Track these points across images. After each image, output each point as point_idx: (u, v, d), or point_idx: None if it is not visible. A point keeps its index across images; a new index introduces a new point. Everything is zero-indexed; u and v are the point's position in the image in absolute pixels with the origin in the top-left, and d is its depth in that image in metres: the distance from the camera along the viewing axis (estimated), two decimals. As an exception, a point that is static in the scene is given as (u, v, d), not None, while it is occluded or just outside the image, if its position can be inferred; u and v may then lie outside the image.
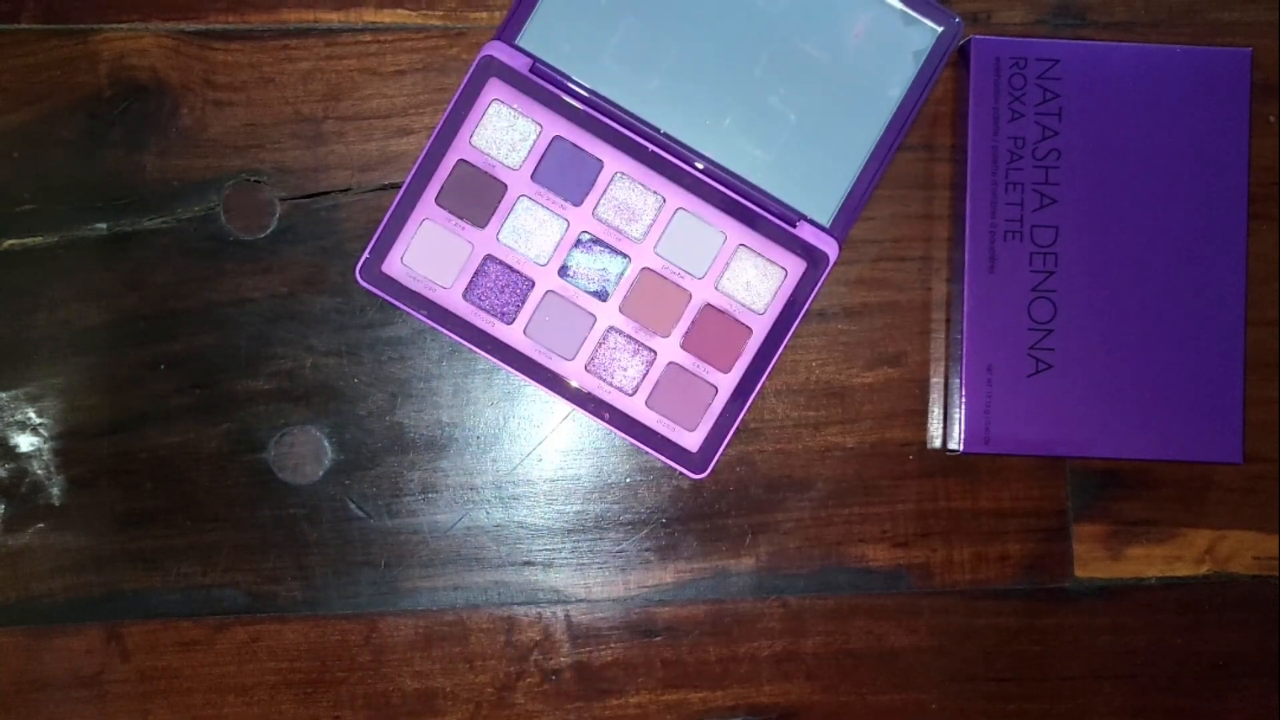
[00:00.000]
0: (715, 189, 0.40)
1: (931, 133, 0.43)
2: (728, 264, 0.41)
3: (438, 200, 0.40)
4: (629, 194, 0.41)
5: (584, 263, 0.41)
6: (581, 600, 0.42)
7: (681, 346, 0.41)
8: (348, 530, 0.42)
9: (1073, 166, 0.41)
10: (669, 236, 0.41)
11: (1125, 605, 0.43)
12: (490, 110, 0.40)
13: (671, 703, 0.43)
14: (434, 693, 0.42)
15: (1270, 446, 0.43)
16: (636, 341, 0.41)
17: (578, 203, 0.41)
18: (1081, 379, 0.41)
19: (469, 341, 0.41)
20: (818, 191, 0.41)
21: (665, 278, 0.41)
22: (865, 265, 0.43)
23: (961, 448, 0.41)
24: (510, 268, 0.41)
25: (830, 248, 0.41)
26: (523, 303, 0.41)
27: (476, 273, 0.40)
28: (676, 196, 0.41)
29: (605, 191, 0.41)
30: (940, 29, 0.40)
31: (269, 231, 0.42)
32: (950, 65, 0.42)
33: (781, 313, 0.41)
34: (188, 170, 0.41)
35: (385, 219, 0.40)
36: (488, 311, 0.41)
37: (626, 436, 0.41)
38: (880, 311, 0.43)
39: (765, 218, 0.40)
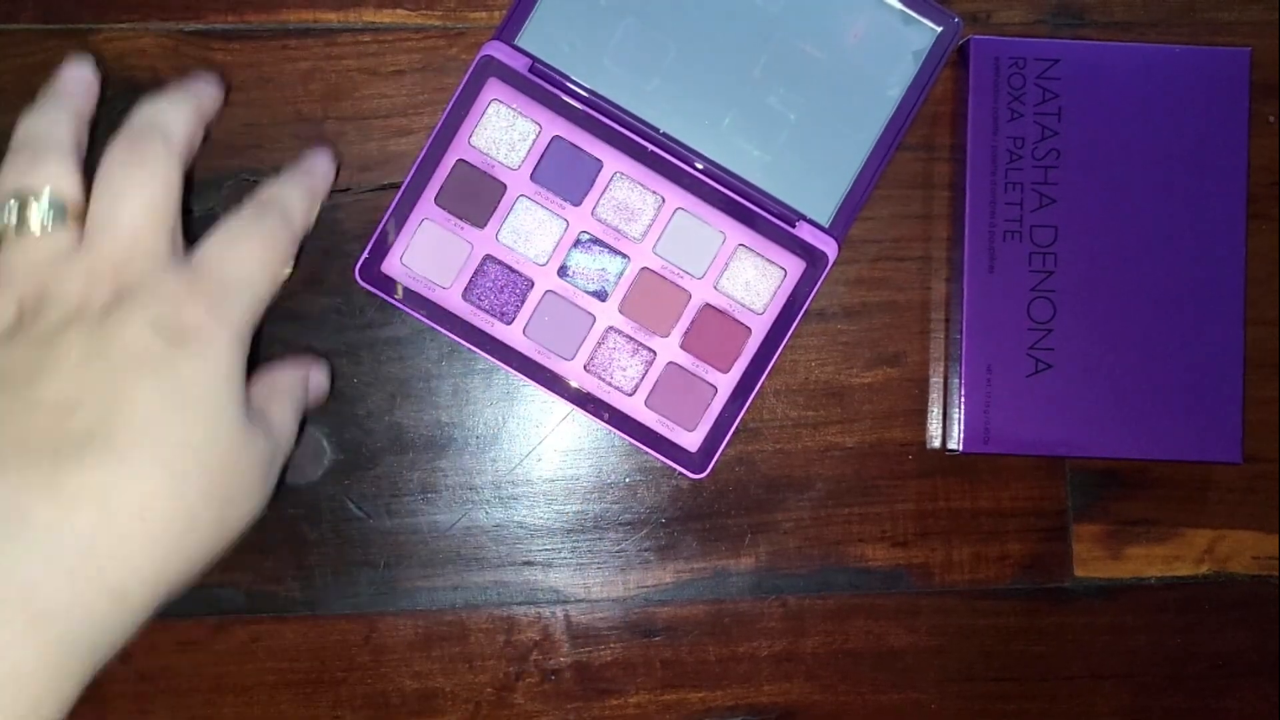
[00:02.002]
0: (714, 189, 0.40)
1: (931, 132, 0.43)
2: (727, 264, 0.41)
3: (437, 200, 0.40)
4: (628, 194, 0.41)
5: (583, 263, 0.41)
6: (581, 600, 0.42)
7: (681, 346, 0.41)
8: (347, 530, 0.42)
9: (1072, 166, 0.41)
10: (668, 236, 0.41)
11: (1125, 605, 0.43)
12: (489, 110, 0.40)
13: (671, 703, 0.43)
14: (434, 693, 0.42)
15: (1270, 446, 0.43)
16: (636, 341, 0.41)
17: (577, 203, 0.41)
18: (1081, 379, 0.41)
19: (468, 341, 0.41)
20: (817, 191, 0.41)
21: (664, 278, 0.41)
22: (864, 265, 0.43)
23: (961, 447, 0.41)
24: (509, 268, 0.41)
25: (829, 247, 0.41)
26: (522, 303, 0.41)
27: (476, 273, 0.41)
28: (676, 196, 0.41)
29: (604, 191, 0.41)
30: (939, 29, 0.40)
31: (268, 231, 0.42)
32: (949, 65, 0.42)
33: (781, 313, 0.41)
34: (187, 170, 0.41)
35: (384, 219, 0.40)
36: (487, 311, 0.41)
37: (626, 436, 0.41)
38: (879, 311, 0.43)
39: (764, 217, 0.40)
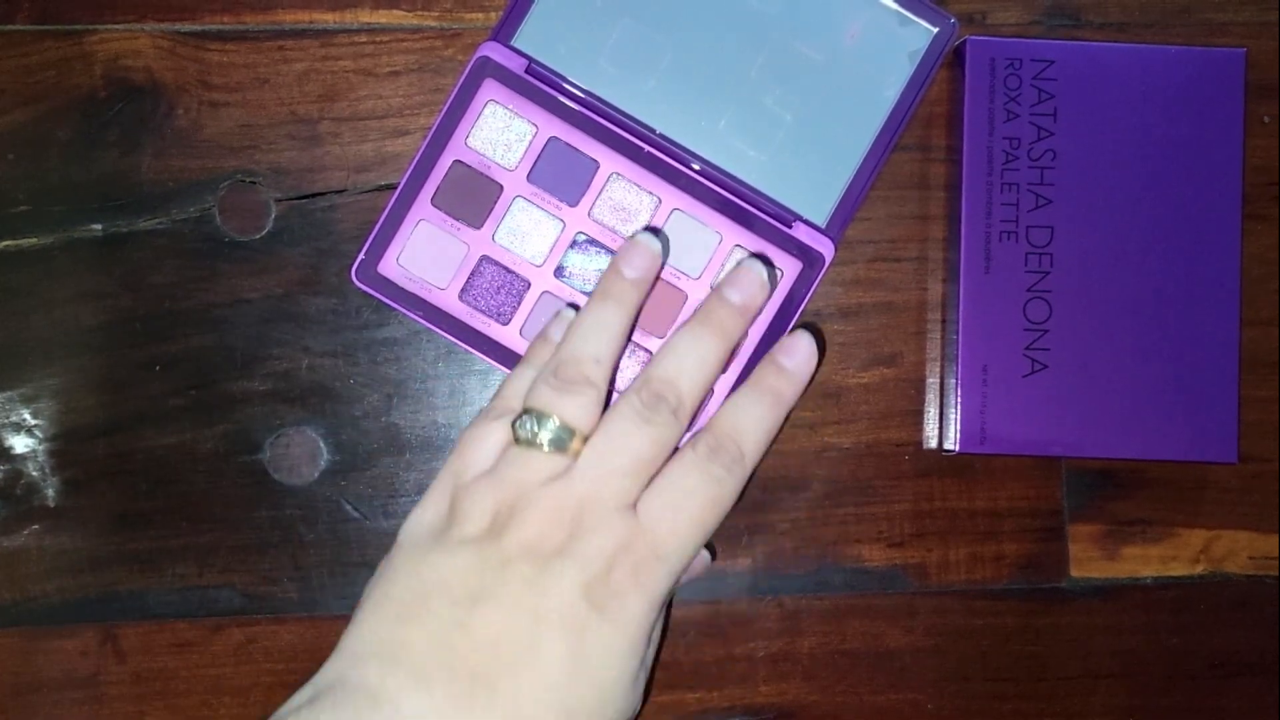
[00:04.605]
0: (711, 190, 0.40)
1: (927, 133, 0.43)
2: (723, 264, 0.41)
3: (433, 201, 0.40)
4: (625, 195, 0.41)
5: (580, 263, 0.41)
6: (578, 601, 0.42)
7: (677, 347, 0.41)
8: (344, 531, 0.42)
9: (1068, 167, 0.41)
10: (664, 237, 0.41)
11: (1121, 605, 0.43)
12: (486, 111, 0.40)
13: (668, 703, 0.43)
14: (430, 694, 0.42)
15: (1265, 446, 0.43)
16: (633, 342, 0.41)
17: (573, 203, 0.41)
18: (1077, 379, 0.41)
19: (465, 342, 0.41)
20: (813, 192, 0.41)
21: (661, 278, 0.41)
22: (861, 266, 0.43)
23: (957, 448, 0.41)
24: (506, 268, 0.41)
25: (826, 248, 0.41)
26: (519, 303, 0.41)
27: (472, 273, 0.40)
28: (672, 197, 0.41)
29: (601, 192, 0.41)
30: (935, 30, 0.40)
31: (265, 232, 0.42)
32: (945, 66, 0.42)
33: (777, 313, 0.41)
34: (183, 171, 0.41)
35: (381, 220, 0.40)
36: (483, 312, 0.41)
37: (622, 437, 0.41)
38: (876, 312, 0.43)
39: (761, 218, 0.41)
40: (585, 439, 0.35)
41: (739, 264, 0.38)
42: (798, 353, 0.37)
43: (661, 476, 0.35)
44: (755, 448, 0.35)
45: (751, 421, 0.36)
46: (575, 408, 0.35)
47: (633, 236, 0.38)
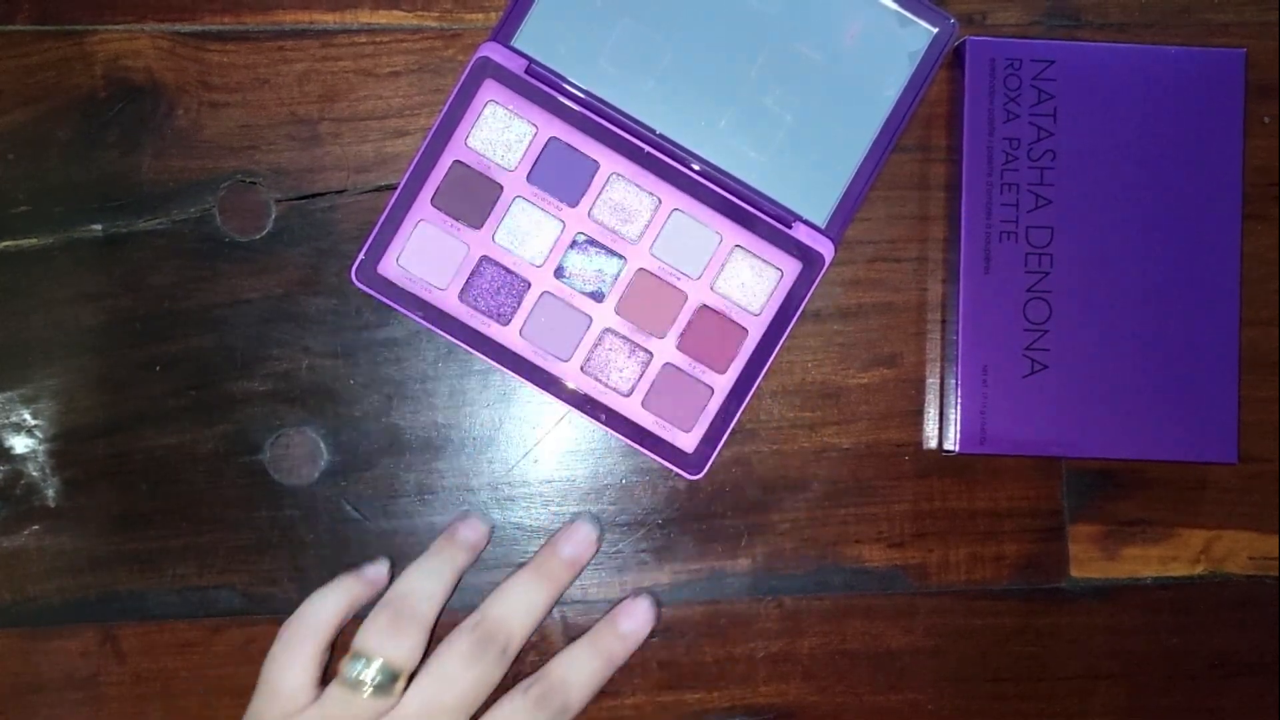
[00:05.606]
0: (711, 190, 0.40)
1: (927, 134, 0.43)
2: (723, 265, 0.41)
3: (433, 201, 0.40)
4: (624, 195, 0.41)
5: (580, 264, 0.41)
6: (578, 601, 0.42)
7: (677, 347, 0.41)
8: (344, 532, 0.42)
9: (1068, 167, 0.41)
10: (664, 237, 0.41)
11: (1121, 605, 0.43)
12: (486, 111, 0.40)
13: (668, 704, 0.43)
14: (430, 694, 0.42)
15: (1265, 446, 0.43)
16: (632, 343, 0.41)
17: (573, 204, 0.41)
18: (1077, 379, 0.41)
19: (465, 343, 0.41)
20: (813, 192, 0.41)
21: (661, 279, 0.41)
22: (861, 266, 0.43)
23: (957, 448, 0.41)
24: (506, 269, 0.41)
25: (826, 248, 0.41)
26: (519, 304, 0.41)
27: (472, 274, 0.40)
28: (672, 197, 0.41)
29: (601, 193, 0.41)
30: (935, 30, 0.40)
31: (265, 233, 0.42)
32: (945, 66, 0.42)
33: (777, 313, 0.41)
34: (183, 171, 0.41)
35: (380, 220, 0.40)
36: (483, 313, 0.41)
37: (622, 438, 0.41)
38: (876, 312, 0.43)
39: (761, 218, 0.41)
40: (410, 676, 0.38)
41: (573, 520, 0.42)
42: (636, 618, 0.40)
43: (490, 713, 0.38)
44: (579, 702, 0.39)
45: (582, 677, 0.39)
46: (402, 650, 0.37)
47: (468, 517, 0.41)
